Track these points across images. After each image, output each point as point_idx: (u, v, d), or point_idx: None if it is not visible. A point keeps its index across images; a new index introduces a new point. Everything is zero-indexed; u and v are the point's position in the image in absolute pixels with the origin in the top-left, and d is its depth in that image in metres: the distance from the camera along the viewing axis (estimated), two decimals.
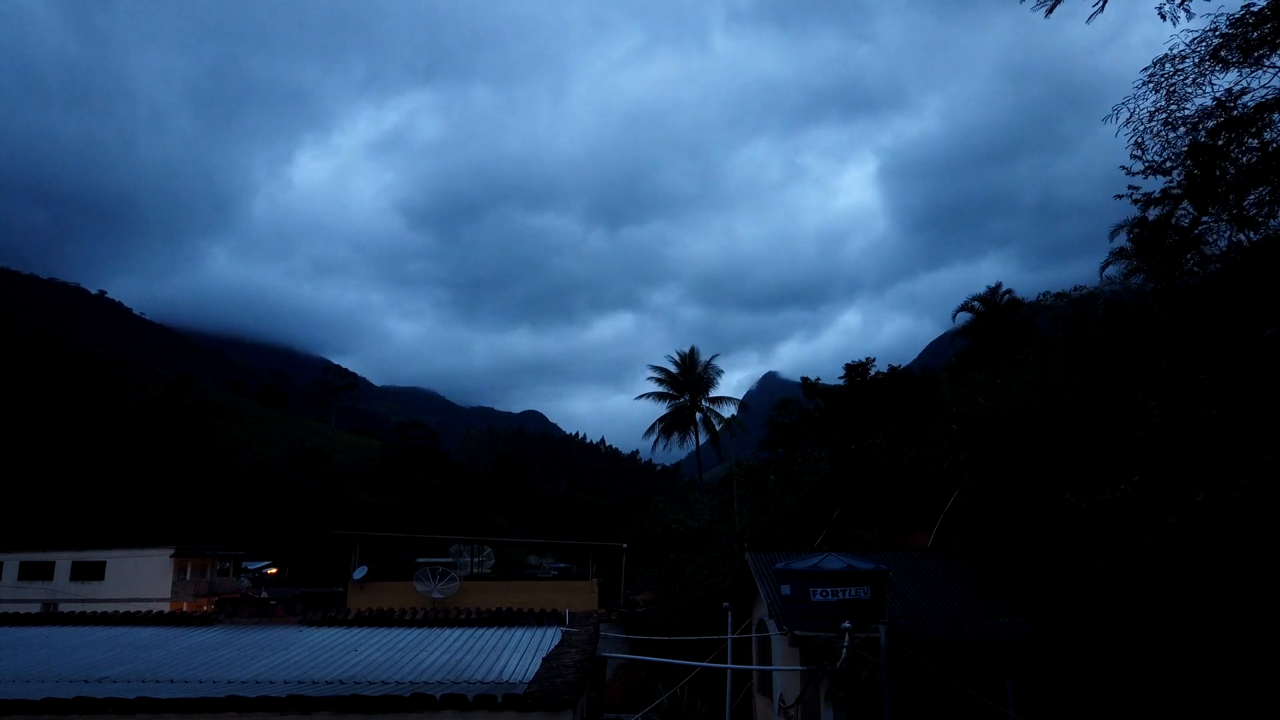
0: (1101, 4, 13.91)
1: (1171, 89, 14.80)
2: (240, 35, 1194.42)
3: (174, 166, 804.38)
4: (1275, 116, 14.38)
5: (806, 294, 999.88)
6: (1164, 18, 13.94)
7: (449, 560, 45.30)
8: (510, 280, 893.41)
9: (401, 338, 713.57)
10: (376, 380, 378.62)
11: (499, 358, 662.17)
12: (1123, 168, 16.98)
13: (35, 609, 32.35)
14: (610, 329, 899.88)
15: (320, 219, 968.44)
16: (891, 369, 36.06)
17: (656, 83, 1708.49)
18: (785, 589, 15.74)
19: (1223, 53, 13.92)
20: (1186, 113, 14.99)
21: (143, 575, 45.98)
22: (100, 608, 18.35)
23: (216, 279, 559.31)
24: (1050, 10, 14.67)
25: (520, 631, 14.23)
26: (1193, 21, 14.55)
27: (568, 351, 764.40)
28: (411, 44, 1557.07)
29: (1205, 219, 17.41)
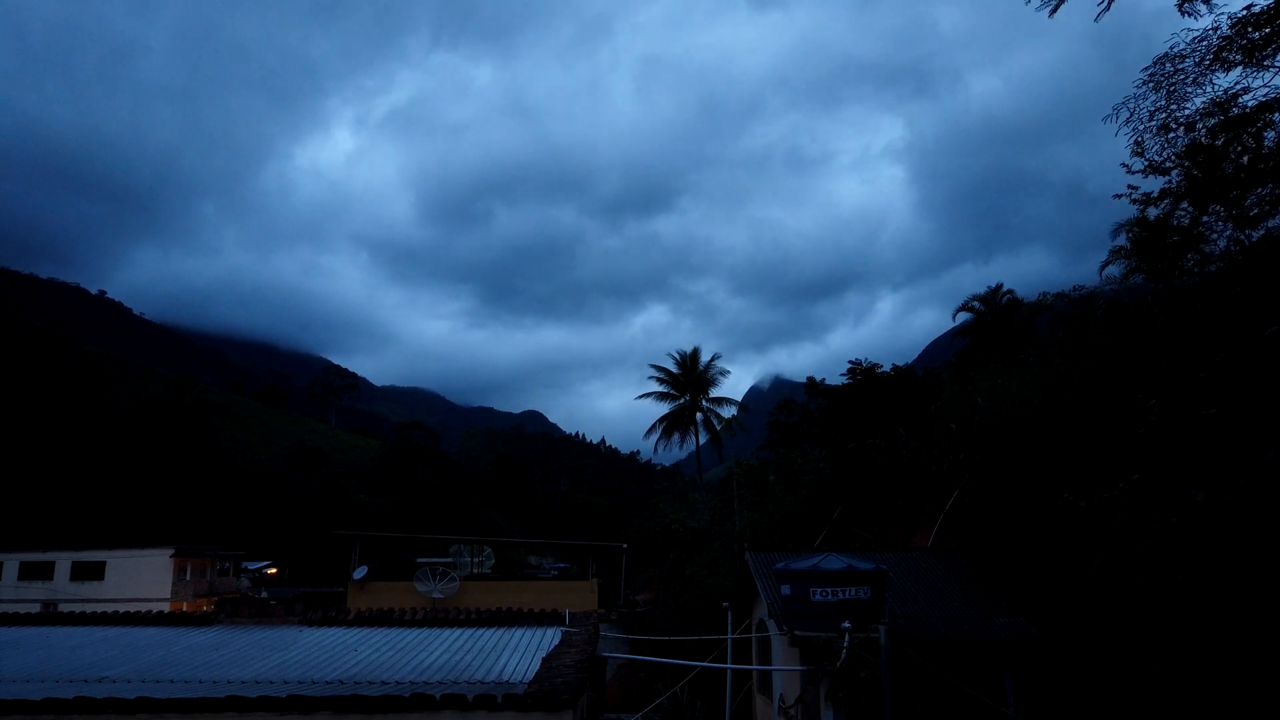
0: (1107, 3, 13.89)
1: (1172, 88, 14.80)
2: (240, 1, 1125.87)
3: (168, 152, 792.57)
4: (1276, 116, 14.37)
5: (841, 284, 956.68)
6: (1184, 14, 13.97)
7: (449, 560, 45.27)
8: (521, 275, 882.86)
9: (403, 337, 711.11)
10: (376, 380, 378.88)
11: (501, 357, 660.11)
12: (1123, 165, 16.98)
13: (35, 609, 32.36)
14: (634, 324, 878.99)
15: (324, 210, 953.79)
16: (893, 368, 36.10)
17: (693, 53, 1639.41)
18: (785, 589, 15.73)
19: (1224, 53, 13.91)
20: (1187, 112, 14.99)
21: (143, 575, 45.99)
22: (100, 608, 18.33)
23: (215, 274, 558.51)
24: (1054, 11, 14.65)
25: (520, 631, 14.22)
26: (1194, 19, 14.51)
27: (581, 349, 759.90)
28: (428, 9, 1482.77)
29: (1206, 218, 17.41)
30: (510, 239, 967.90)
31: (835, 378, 41.72)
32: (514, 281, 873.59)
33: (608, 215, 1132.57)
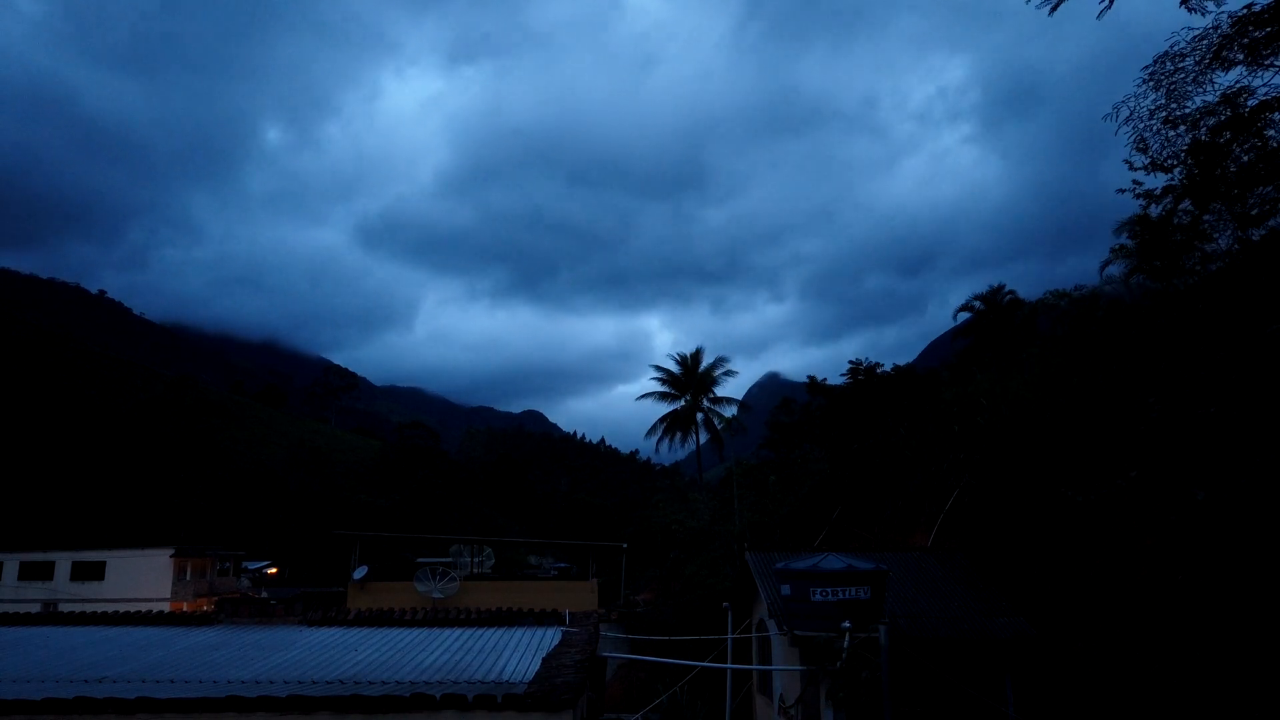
0: (1109, 1, 13.85)
1: (1172, 87, 14.76)
2: None
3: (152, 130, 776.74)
4: (1276, 116, 14.34)
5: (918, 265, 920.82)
6: (1191, 10, 13.90)
7: (449, 560, 45.18)
8: (525, 271, 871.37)
9: (404, 334, 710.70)
10: (376, 380, 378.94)
11: (497, 357, 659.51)
12: (1126, 161, 16.94)
13: (35, 609, 32.33)
14: (638, 323, 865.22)
15: (327, 198, 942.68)
16: (895, 368, 36.10)
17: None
18: (785, 589, 15.72)
19: (1225, 52, 13.88)
20: (1187, 111, 14.95)
21: (143, 575, 45.94)
22: (100, 608, 18.30)
23: (215, 269, 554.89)
24: (1054, 9, 14.61)
25: (520, 631, 14.21)
26: (1193, 18, 14.44)
27: (580, 348, 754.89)
28: None
29: (1207, 217, 17.38)
30: (521, 225, 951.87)
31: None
32: (517, 279, 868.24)
33: (643, 197, 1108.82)
